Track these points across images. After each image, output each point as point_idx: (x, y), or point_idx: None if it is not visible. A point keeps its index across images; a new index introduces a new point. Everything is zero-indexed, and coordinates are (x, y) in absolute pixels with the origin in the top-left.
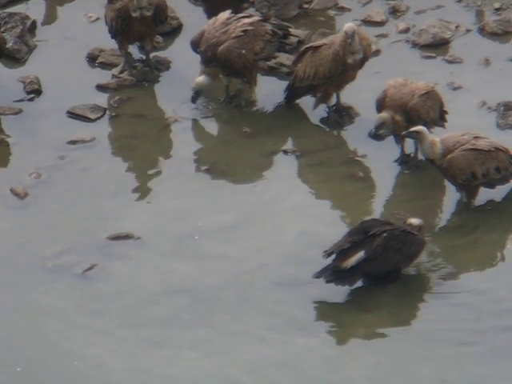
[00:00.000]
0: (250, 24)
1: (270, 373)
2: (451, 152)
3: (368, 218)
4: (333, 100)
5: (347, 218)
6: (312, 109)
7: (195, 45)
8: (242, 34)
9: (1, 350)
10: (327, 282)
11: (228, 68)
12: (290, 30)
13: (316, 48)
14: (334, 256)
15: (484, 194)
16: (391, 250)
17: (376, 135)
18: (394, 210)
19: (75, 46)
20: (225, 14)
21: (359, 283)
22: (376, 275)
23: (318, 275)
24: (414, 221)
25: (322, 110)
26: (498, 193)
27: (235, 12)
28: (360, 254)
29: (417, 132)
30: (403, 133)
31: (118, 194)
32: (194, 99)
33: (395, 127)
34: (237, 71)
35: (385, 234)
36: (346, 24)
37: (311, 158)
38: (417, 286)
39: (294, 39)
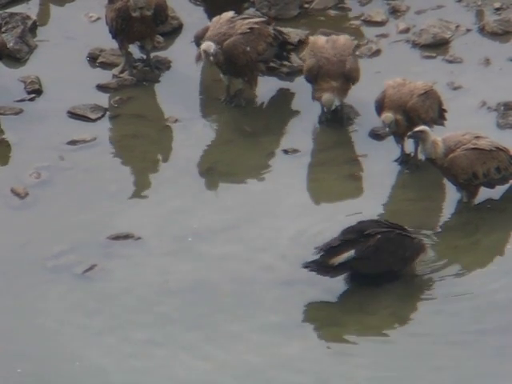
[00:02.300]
0: (256, 23)
1: (269, 373)
2: (453, 151)
3: (367, 218)
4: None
5: (347, 218)
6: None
7: (199, 39)
8: (248, 31)
9: (0, 350)
10: (310, 270)
11: (231, 64)
12: (288, 38)
13: (311, 49)
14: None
15: (484, 193)
16: (384, 253)
17: (388, 134)
18: (394, 209)
19: (76, 46)
20: (228, 14)
21: (359, 284)
22: (367, 275)
23: (305, 265)
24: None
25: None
26: (498, 191)
27: (236, 12)
28: (350, 253)
29: (421, 132)
30: (409, 133)
31: (118, 194)
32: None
33: (396, 127)
34: (238, 69)
35: (379, 236)
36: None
37: (311, 158)
38: (418, 286)
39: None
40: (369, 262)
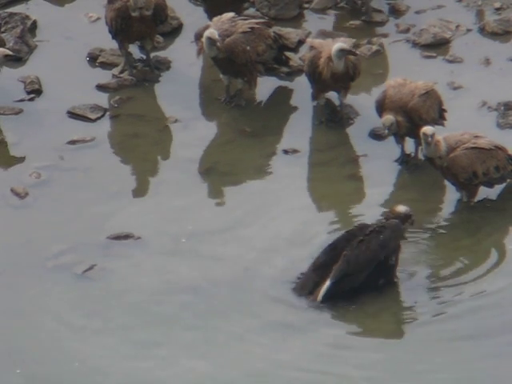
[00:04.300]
0: (257, 23)
1: (269, 373)
2: (454, 151)
3: (356, 224)
4: (322, 99)
5: (347, 218)
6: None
7: (200, 37)
8: (249, 30)
9: (0, 350)
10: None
11: (230, 62)
12: (287, 42)
13: (311, 47)
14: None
15: (483, 193)
16: (360, 264)
17: (388, 135)
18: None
19: (75, 46)
20: (229, 14)
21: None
22: (363, 285)
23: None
24: (401, 208)
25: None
26: (498, 191)
27: (236, 12)
28: (327, 284)
29: (433, 135)
30: (429, 140)
31: (118, 194)
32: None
33: (398, 128)
34: (237, 68)
35: (344, 257)
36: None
37: (311, 158)
38: (418, 287)
39: (290, 51)
40: (351, 278)
